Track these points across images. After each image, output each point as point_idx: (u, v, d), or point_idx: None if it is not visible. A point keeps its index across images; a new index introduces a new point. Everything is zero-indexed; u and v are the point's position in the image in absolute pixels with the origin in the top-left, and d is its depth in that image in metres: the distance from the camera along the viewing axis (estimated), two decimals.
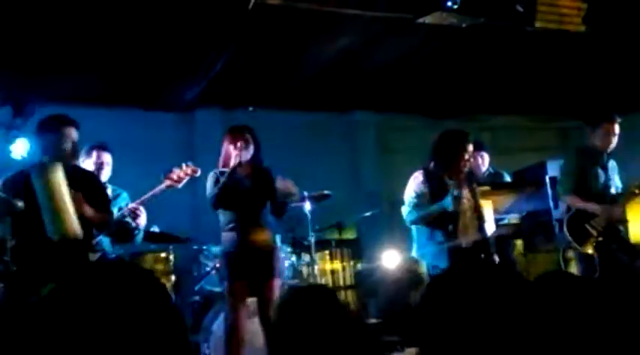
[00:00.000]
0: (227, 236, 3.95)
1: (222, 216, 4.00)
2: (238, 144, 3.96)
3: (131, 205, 4.02)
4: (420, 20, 4.56)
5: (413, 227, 4.10)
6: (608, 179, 4.40)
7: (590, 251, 4.24)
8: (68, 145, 3.49)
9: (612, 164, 4.50)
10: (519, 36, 5.25)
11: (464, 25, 4.71)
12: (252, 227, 3.91)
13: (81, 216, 3.33)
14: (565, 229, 4.30)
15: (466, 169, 3.96)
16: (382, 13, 4.90)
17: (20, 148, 4.56)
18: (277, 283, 3.93)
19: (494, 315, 1.34)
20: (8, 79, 5.09)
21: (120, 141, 5.91)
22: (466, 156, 3.96)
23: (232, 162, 3.92)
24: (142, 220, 4.09)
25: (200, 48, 5.26)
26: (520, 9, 4.57)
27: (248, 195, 3.94)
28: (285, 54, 5.68)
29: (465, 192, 4.03)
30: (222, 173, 3.98)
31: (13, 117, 4.85)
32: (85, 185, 3.50)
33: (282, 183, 4.00)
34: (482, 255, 3.97)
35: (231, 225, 3.93)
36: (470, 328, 1.34)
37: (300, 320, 1.64)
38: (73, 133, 3.55)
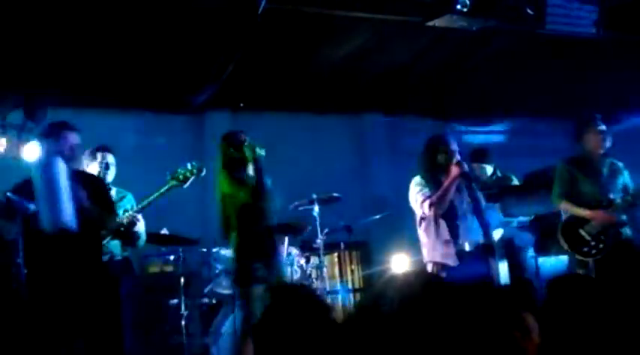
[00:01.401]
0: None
1: None
2: None
3: (128, 213, 4.04)
4: (430, 23, 4.55)
5: (419, 231, 4.11)
6: (605, 183, 4.36)
7: (583, 256, 4.22)
8: (66, 150, 3.52)
9: (614, 165, 4.45)
10: (529, 38, 5.23)
11: (474, 28, 4.70)
12: None
13: (81, 210, 3.33)
14: (559, 235, 4.29)
15: (460, 169, 3.96)
16: (391, 16, 4.90)
17: (32, 151, 4.59)
18: None
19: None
20: (20, 83, 5.13)
21: (130, 144, 5.97)
22: (440, 157, 4.04)
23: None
24: (140, 227, 4.10)
25: (210, 51, 5.28)
26: (530, 12, 4.55)
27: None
28: (295, 57, 5.69)
29: (465, 193, 4.08)
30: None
31: (25, 120, 4.90)
32: (89, 187, 3.52)
33: None
34: (487, 258, 3.96)
35: None
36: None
37: (280, 322, 1.66)
38: (72, 138, 3.59)
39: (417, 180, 4.12)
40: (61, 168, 3.28)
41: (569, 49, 5.67)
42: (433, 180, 4.05)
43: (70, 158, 3.54)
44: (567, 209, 4.35)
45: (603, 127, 4.39)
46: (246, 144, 4.03)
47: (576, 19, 4.67)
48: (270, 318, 1.70)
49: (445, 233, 3.98)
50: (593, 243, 4.22)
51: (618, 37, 5.22)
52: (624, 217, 4.31)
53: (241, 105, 6.50)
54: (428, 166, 4.12)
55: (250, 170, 4.03)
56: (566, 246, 4.29)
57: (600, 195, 4.33)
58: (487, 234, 4.05)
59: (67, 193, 3.24)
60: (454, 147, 4.10)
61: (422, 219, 4.10)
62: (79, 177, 3.53)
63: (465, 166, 4.03)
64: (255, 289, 3.89)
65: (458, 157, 4.04)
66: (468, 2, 4.32)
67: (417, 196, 4.05)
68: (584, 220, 4.27)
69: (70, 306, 3.24)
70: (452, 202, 4.01)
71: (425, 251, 4.10)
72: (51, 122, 3.71)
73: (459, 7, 4.36)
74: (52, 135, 3.55)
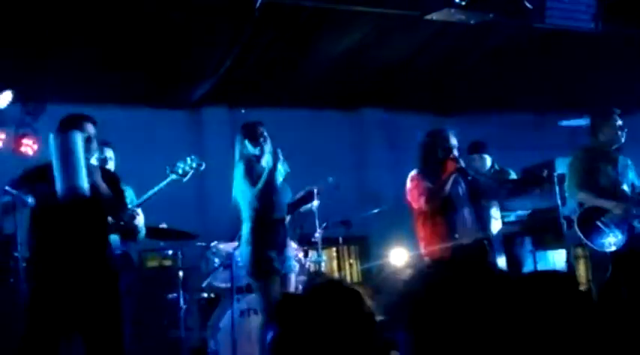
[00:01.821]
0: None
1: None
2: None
3: (129, 208, 4.03)
4: (428, 17, 4.55)
5: (417, 225, 4.13)
6: (618, 175, 4.36)
7: (600, 248, 4.20)
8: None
9: (624, 161, 4.46)
10: (529, 33, 5.23)
11: (472, 22, 4.69)
12: None
13: (94, 187, 3.30)
14: (576, 226, 4.26)
15: (457, 165, 3.98)
16: (390, 10, 4.89)
17: (30, 145, 4.61)
18: None
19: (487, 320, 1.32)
20: (18, 78, 5.13)
21: (129, 139, 5.96)
22: (437, 152, 4.06)
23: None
24: (139, 221, 4.10)
25: (208, 46, 5.27)
26: (529, 6, 4.54)
27: None
28: (293, 51, 5.68)
29: (462, 188, 4.09)
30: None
31: (22, 115, 4.89)
32: (102, 177, 3.50)
33: None
34: (483, 253, 3.98)
35: None
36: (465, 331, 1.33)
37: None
38: (90, 129, 3.56)
39: (414, 174, 4.13)
40: (79, 138, 3.23)
41: (568, 43, 5.66)
42: (430, 174, 4.06)
43: (89, 149, 3.51)
44: (586, 199, 4.29)
45: (620, 122, 4.39)
46: (262, 138, 4.11)
47: (575, 13, 4.66)
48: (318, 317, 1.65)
49: (442, 227, 3.99)
50: (610, 235, 4.19)
51: (617, 31, 5.21)
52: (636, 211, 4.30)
53: (242, 111, 6.49)
54: (425, 161, 4.13)
55: (264, 162, 4.09)
56: (583, 238, 4.23)
57: (616, 188, 4.32)
58: (485, 228, 4.08)
59: (83, 162, 3.19)
60: (452, 142, 4.10)
61: (419, 213, 4.11)
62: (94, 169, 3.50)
63: (462, 162, 4.04)
64: (274, 280, 3.97)
65: (455, 152, 4.05)
66: None
67: (414, 191, 4.06)
68: (602, 211, 4.24)
69: (72, 298, 3.24)
70: (449, 197, 4.02)
71: (422, 245, 4.12)
72: (69, 114, 3.66)
73: (457, 0, 4.36)
74: (72, 126, 3.52)
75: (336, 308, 1.68)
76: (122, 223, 4.04)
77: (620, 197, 4.29)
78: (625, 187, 4.37)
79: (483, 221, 4.09)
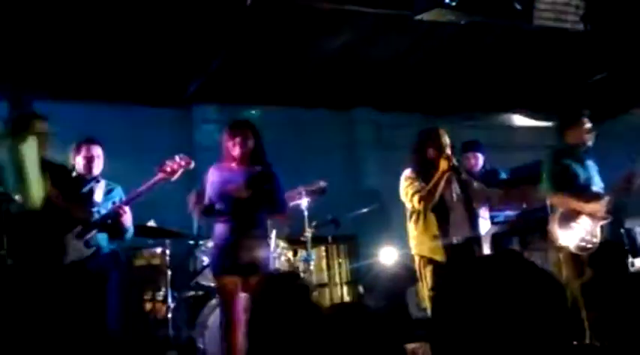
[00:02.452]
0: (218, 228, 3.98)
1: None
2: (237, 139, 3.96)
3: (116, 205, 4.03)
4: (419, 17, 4.55)
5: (409, 224, 4.14)
6: (588, 176, 4.38)
7: (579, 251, 4.21)
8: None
9: (591, 162, 4.47)
10: (517, 33, 5.25)
11: (462, 22, 4.71)
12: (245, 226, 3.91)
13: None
14: (555, 228, 4.26)
15: (450, 163, 3.97)
16: (381, 10, 4.90)
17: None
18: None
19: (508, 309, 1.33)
20: (6, 75, 5.09)
21: (118, 137, 5.93)
22: (430, 151, 4.08)
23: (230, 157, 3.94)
24: (127, 220, 4.08)
25: (198, 44, 5.26)
26: (518, 6, 4.56)
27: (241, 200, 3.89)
28: (284, 50, 5.68)
29: (455, 187, 4.10)
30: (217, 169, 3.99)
31: (10, 112, 4.85)
32: (54, 176, 3.49)
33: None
34: (474, 252, 4.00)
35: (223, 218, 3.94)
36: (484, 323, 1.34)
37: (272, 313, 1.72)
38: (41, 126, 3.55)
39: (407, 173, 4.14)
40: (33, 144, 3.23)
41: (558, 44, 5.69)
42: (423, 173, 4.07)
43: (44, 148, 3.50)
44: (561, 203, 4.30)
45: (589, 125, 4.42)
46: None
47: (563, 14, 4.69)
48: (263, 307, 1.75)
49: (434, 227, 4.00)
50: (588, 237, 4.21)
51: (606, 32, 5.25)
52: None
53: (252, 112, 6.49)
54: (418, 160, 4.14)
55: None
56: (560, 240, 4.24)
57: (587, 189, 4.34)
58: (475, 227, 4.08)
59: (36, 172, 3.19)
60: (445, 141, 4.11)
61: (412, 212, 4.12)
62: (45, 167, 3.48)
63: (455, 161, 4.05)
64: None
65: (448, 152, 4.06)
66: None
67: (407, 189, 4.07)
68: (579, 213, 4.25)
69: (54, 301, 3.23)
70: (442, 196, 4.03)
71: (413, 244, 4.13)
72: (19, 113, 3.67)
73: (447, 0, 4.36)
74: (23, 128, 3.51)
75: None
76: (109, 221, 4.03)
77: (593, 197, 4.29)
78: (595, 188, 4.38)
79: (475, 221, 4.08)
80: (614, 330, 4.16)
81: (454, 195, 4.10)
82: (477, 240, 4.08)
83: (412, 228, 4.12)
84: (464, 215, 4.06)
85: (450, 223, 4.00)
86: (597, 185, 4.42)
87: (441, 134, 4.13)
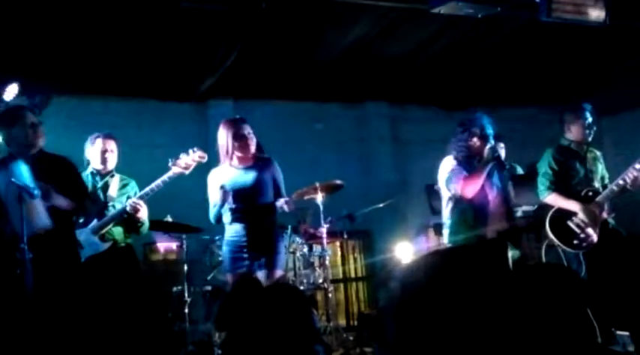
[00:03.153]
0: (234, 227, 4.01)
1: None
2: (250, 135, 3.96)
3: (131, 200, 4.05)
4: (435, 10, 4.51)
5: (445, 211, 4.08)
6: (588, 172, 4.31)
7: (573, 249, 4.16)
8: (29, 132, 3.50)
9: (594, 154, 4.41)
10: (536, 27, 5.19)
11: (479, 16, 4.66)
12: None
13: (52, 208, 3.33)
14: (547, 228, 4.20)
15: (492, 153, 3.90)
16: (397, 4, 4.86)
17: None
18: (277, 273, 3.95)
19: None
20: (24, 71, 5.12)
21: (134, 132, 5.97)
22: (475, 140, 4.00)
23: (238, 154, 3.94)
24: (143, 214, 4.10)
25: (213, 39, 5.26)
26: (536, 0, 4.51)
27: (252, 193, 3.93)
28: (299, 45, 5.66)
29: (495, 179, 4.02)
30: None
31: (29, 107, 4.87)
32: (55, 171, 3.49)
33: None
34: (509, 244, 3.93)
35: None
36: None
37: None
38: (30, 118, 3.55)
39: (449, 160, 4.06)
40: (24, 170, 3.24)
41: (576, 38, 5.62)
42: (465, 162, 4.00)
43: (34, 140, 3.51)
44: (555, 202, 4.25)
45: (590, 119, 4.33)
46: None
47: (583, 7, 4.62)
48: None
49: (470, 218, 3.93)
50: (582, 236, 4.15)
51: (625, 26, 5.17)
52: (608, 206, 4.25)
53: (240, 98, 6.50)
54: (461, 148, 4.04)
55: None
56: (555, 240, 4.19)
57: (587, 186, 4.28)
58: (512, 221, 4.03)
59: (37, 195, 3.16)
60: (489, 130, 4.02)
61: (449, 199, 4.04)
62: (43, 163, 3.47)
63: (499, 151, 4.00)
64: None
65: (492, 142, 3.98)
66: None
67: (448, 176, 3.99)
68: (571, 213, 4.19)
69: (71, 295, 3.25)
70: (482, 187, 3.95)
71: (446, 232, 4.07)
72: (5, 108, 3.67)
73: None
74: (8, 123, 3.53)
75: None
76: (125, 216, 4.05)
77: (591, 196, 4.23)
78: (596, 184, 4.31)
79: (511, 215, 4.04)
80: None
81: (495, 186, 4.01)
82: (514, 232, 4.00)
83: (447, 216, 4.06)
84: (502, 208, 3.98)
85: (488, 215, 3.93)
86: (600, 180, 4.35)
87: (485, 123, 4.05)
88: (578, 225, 4.17)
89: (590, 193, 4.25)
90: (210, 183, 4.02)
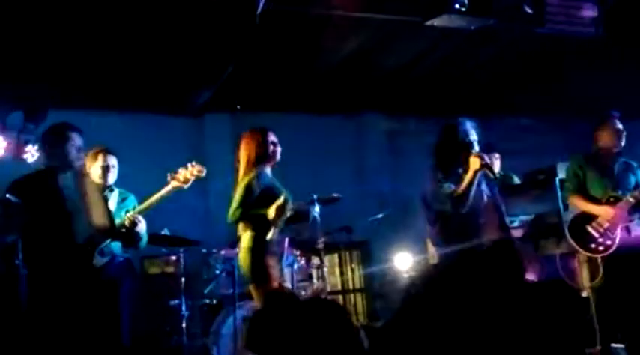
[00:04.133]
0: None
1: None
2: (276, 141, 4.00)
3: (130, 214, 4.06)
4: (429, 23, 4.56)
5: (436, 225, 3.87)
6: (616, 180, 4.32)
7: (591, 253, 4.19)
8: (74, 151, 3.56)
9: (626, 164, 4.40)
10: (530, 38, 5.23)
11: (472, 28, 4.70)
12: None
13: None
14: (567, 232, 4.24)
15: (481, 161, 3.59)
16: (391, 16, 4.91)
17: (32, 152, 4.61)
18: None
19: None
20: (20, 85, 5.15)
21: (130, 146, 5.97)
22: (457, 149, 3.72)
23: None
24: (141, 228, 4.10)
25: (209, 53, 5.29)
26: (529, 11, 4.55)
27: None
28: (295, 57, 5.70)
29: (485, 188, 3.76)
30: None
31: (25, 122, 4.90)
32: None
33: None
34: (504, 255, 3.72)
35: None
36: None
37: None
38: (77, 139, 3.61)
39: (433, 174, 3.75)
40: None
41: (569, 48, 5.66)
42: (451, 173, 3.69)
43: (77, 159, 3.58)
44: (576, 204, 4.31)
45: (620, 126, 4.36)
46: None
47: (575, 18, 4.67)
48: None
49: (463, 229, 3.65)
50: (600, 240, 4.17)
51: (618, 36, 5.22)
52: (635, 214, 4.24)
53: (238, 107, 6.53)
54: (445, 159, 3.74)
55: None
56: (573, 244, 4.22)
57: (610, 192, 4.28)
58: (506, 230, 3.82)
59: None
60: (471, 137, 3.74)
61: (438, 215, 3.75)
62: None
63: (486, 157, 3.64)
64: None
65: (477, 148, 3.69)
66: (466, 2, 4.33)
67: (437, 191, 3.67)
68: (591, 217, 4.22)
69: (68, 308, 3.25)
70: (472, 197, 3.62)
71: (437, 248, 3.97)
72: (54, 124, 3.71)
73: (457, 6, 4.37)
74: (59, 136, 3.57)
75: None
76: (124, 230, 4.06)
77: (612, 202, 4.23)
78: (620, 192, 4.27)
79: (505, 223, 3.81)
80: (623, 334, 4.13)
81: (485, 196, 3.73)
82: (505, 243, 3.75)
83: (439, 232, 3.82)
84: (494, 217, 3.73)
85: (480, 226, 3.66)
86: (628, 187, 4.31)
87: (468, 129, 3.76)
88: (597, 229, 4.19)
89: (612, 199, 4.27)
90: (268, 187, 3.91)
